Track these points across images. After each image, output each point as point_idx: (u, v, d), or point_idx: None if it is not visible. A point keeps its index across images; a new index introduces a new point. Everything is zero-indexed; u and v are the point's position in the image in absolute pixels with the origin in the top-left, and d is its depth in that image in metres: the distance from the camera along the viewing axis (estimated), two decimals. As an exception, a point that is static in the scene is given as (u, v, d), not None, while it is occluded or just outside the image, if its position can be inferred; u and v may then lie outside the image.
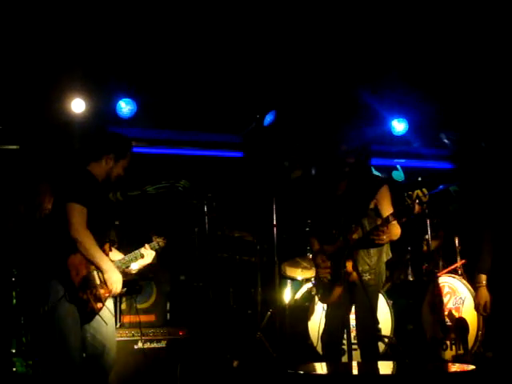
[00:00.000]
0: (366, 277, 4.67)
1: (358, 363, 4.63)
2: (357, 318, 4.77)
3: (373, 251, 4.72)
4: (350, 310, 4.70)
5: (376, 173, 8.11)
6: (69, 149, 6.83)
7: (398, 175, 8.39)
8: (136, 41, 6.35)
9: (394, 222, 4.54)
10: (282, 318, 6.29)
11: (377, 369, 3.81)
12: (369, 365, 4.19)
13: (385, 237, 4.47)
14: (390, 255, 4.86)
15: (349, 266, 4.45)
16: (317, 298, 5.45)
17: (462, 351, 5.88)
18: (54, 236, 4.34)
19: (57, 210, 4.38)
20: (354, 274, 4.42)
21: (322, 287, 4.87)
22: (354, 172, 4.75)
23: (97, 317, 4.30)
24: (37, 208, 6.04)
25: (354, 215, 4.57)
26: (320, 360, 5.00)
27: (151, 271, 6.95)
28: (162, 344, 5.54)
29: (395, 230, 4.65)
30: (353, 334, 4.95)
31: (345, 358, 4.94)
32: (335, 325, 4.75)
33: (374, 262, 4.72)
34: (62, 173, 4.80)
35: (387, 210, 4.61)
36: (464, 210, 7.61)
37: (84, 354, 4.33)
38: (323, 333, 4.91)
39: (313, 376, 3.34)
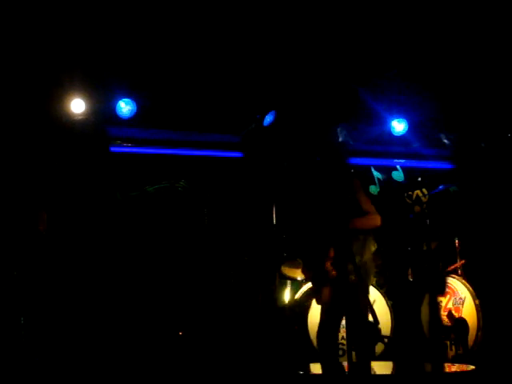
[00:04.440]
0: (353, 274, 4.65)
1: (355, 363, 4.62)
2: (348, 317, 4.74)
3: (356, 247, 4.69)
4: (346, 309, 4.69)
5: (376, 173, 8.12)
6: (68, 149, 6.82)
7: (398, 175, 8.37)
8: (136, 41, 6.35)
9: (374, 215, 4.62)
10: (282, 317, 6.29)
11: (372, 369, 3.81)
12: (363, 365, 4.18)
13: None
14: (376, 246, 4.85)
15: (328, 264, 4.47)
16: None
17: (461, 351, 5.87)
18: None
19: None
20: (334, 272, 4.44)
21: (315, 289, 4.88)
22: (331, 171, 4.82)
23: None
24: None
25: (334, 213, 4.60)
26: (319, 360, 4.99)
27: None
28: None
29: (370, 221, 4.70)
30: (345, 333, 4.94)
31: (344, 358, 4.92)
32: (331, 325, 4.75)
33: (359, 258, 4.69)
34: None
35: (364, 201, 4.70)
36: (464, 210, 7.60)
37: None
38: (319, 333, 4.90)
39: (311, 376, 3.34)
